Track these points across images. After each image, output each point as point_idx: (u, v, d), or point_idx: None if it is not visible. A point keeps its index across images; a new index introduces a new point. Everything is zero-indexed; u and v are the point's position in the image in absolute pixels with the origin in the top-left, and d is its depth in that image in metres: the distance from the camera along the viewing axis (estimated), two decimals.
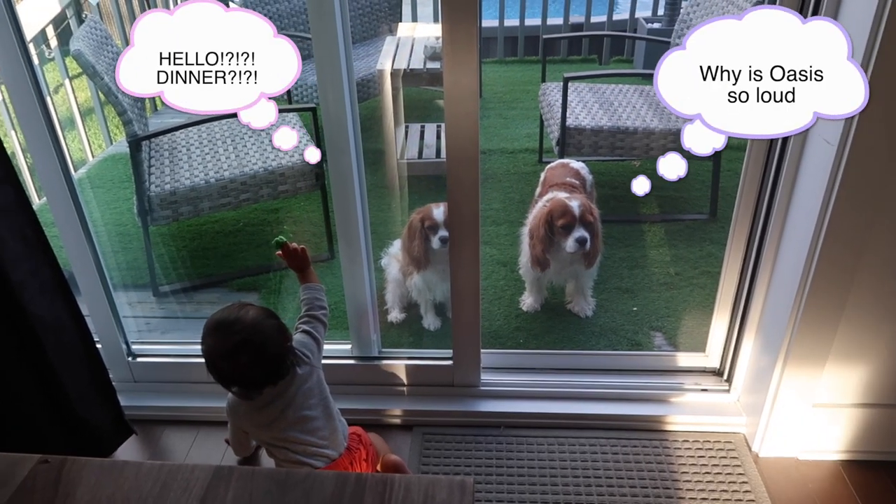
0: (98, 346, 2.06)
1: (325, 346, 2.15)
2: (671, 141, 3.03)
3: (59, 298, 1.69)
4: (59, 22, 3.58)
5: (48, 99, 1.76)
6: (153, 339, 2.44)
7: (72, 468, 0.74)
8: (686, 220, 3.13)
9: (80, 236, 1.90)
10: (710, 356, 2.09)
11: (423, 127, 3.80)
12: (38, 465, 0.74)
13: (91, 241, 1.93)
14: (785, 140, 1.66)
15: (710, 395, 2.04)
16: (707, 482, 1.83)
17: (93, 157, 3.91)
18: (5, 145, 1.54)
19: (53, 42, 3.57)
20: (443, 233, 2.26)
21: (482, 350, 2.02)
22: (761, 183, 1.77)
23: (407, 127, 3.77)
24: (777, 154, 1.69)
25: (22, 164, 3.23)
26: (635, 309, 2.56)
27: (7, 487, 0.72)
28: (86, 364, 1.82)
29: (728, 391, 2.04)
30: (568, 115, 3.06)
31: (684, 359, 2.12)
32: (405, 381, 2.07)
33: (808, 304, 1.65)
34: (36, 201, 3.10)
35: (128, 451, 1.96)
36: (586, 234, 2.30)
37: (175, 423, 2.06)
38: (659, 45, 3.91)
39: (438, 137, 3.64)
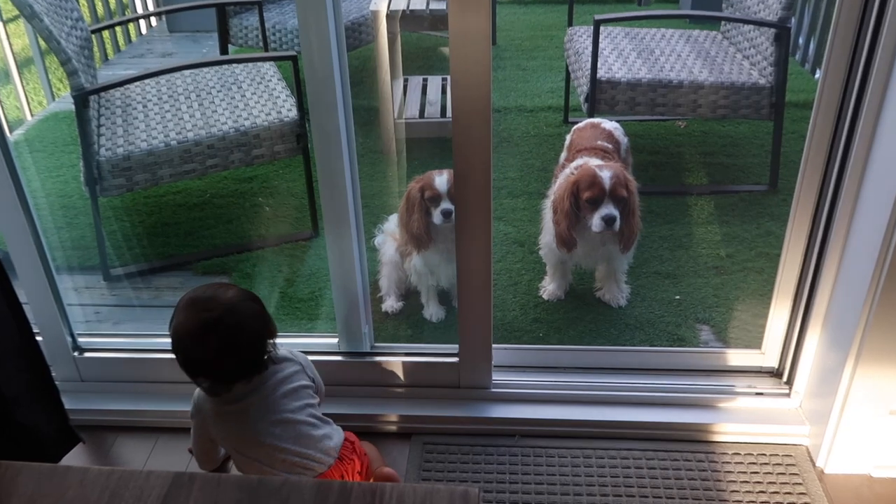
0: (38, 339, 2.08)
1: (307, 340, 2.17)
2: (723, 97, 3.01)
3: None
4: None
5: None
6: (103, 330, 2.46)
7: (6, 474, 0.74)
8: (741, 191, 3.12)
9: (17, 209, 1.90)
10: (768, 354, 2.09)
11: (425, 80, 3.79)
12: None
13: (29, 214, 1.93)
14: (860, 94, 1.64)
15: (767, 400, 2.04)
16: (762, 503, 1.84)
17: (31, 115, 3.92)
18: None
19: None
20: (446, 205, 2.26)
21: (494, 345, 2.03)
22: (831, 146, 1.75)
23: (406, 80, 3.76)
24: (850, 111, 1.67)
25: None
26: (678, 297, 2.56)
27: None
28: (24, 362, 1.82)
29: (788, 395, 2.04)
30: (599, 65, 3.05)
31: (736, 357, 2.12)
32: (402, 381, 2.08)
33: (886, 290, 1.63)
34: None
35: (74, 462, 1.98)
36: (615, 212, 2.29)
37: (129, 429, 2.08)
38: None
39: (444, 93, 3.64)
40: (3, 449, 1.80)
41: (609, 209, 2.29)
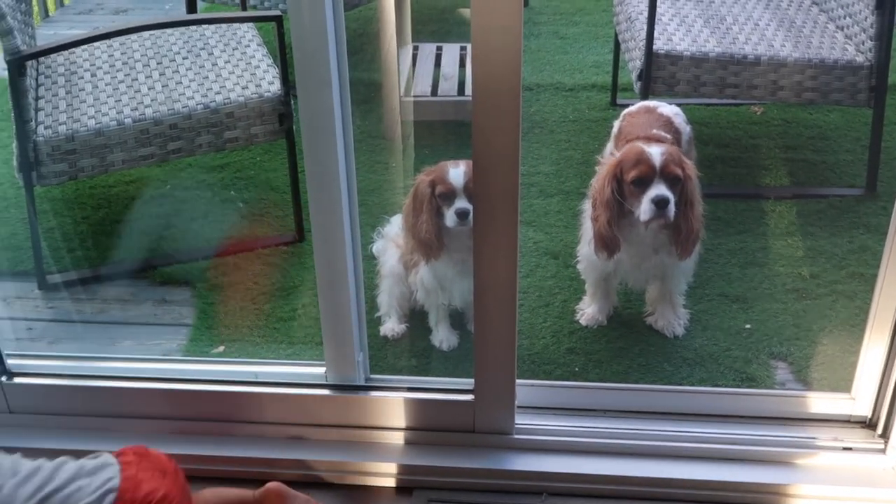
0: None
1: (287, 370, 2.18)
2: (810, 77, 3.01)
3: None
4: None
5: None
6: (37, 351, 2.48)
7: None
8: (830, 195, 3.12)
9: None
10: (858, 400, 2.08)
11: (439, 49, 3.81)
12: None
13: None
14: None
15: (857, 457, 2.04)
16: None
17: None
18: None
19: None
20: (462, 204, 2.28)
21: (518, 381, 2.03)
22: None
23: (416, 48, 3.78)
24: None
25: None
26: (748, 327, 2.56)
27: None
28: None
29: (883, 451, 2.03)
30: (657, 34, 3.05)
31: (820, 402, 2.12)
32: (403, 423, 2.09)
33: None
34: None
35: None
36: (668, 195, 2.26)
37: None
38: None
39: (462, 65, 3.65)
40: None
41: (661, 189, 2.27)
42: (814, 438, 2.06)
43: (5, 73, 2.60)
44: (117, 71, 2.96)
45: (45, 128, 2.65)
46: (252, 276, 2.79)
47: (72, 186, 3.13)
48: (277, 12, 3.03)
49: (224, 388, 2.12)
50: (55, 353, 2.43)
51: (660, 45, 3.05)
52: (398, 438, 2.10)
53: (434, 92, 3.52)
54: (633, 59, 3.19)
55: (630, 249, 2.42)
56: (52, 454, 2.09)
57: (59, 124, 2.66)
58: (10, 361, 2.16)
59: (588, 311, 2.59)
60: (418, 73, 3.64)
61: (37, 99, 2.78)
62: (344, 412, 2.11)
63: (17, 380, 2.15)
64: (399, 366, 2.50)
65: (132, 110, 2.72)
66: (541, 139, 3.44)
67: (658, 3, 3.06)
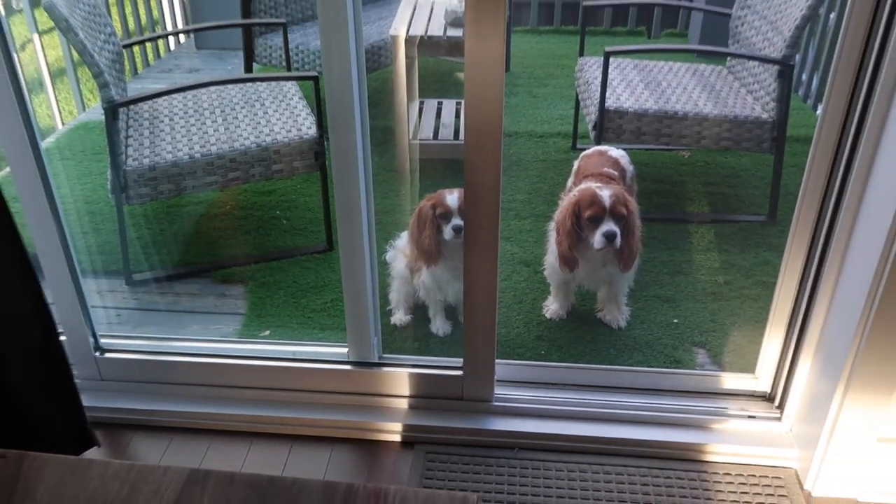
0: (62, 338, 2.10)
1: (318, 349, 2.18)
2: (726, 129, 3.02)
3: (21, 284, 1.70)
4: None
5: (14, 56, 1.79)
6: (124, 332, 2.49)
7: (32, 465, 0.76)
8: (740, 221, 3.13)
9: (47, 213, 1.93)
10: (761, 379, 2.09)
11: (440, 103, 3.83)
12: None
13: (58, 219, 1.96)
14: (858, 131, 1.66)
15: (759, 423, 2.04)
16: None
17: (62, 124, 3.97)
18: None
19: None
20: (457, 221, 2.29)
21: (497, 360, 2.04)
22: (828, 181, 1.76)
23: (422, 103, 3.80)
24: (848, 147, 1.69)
25: None
26: (676, 321, 2.57)
27: None
28: (48, 362, 1.82)
29: (779, 419, 2.04)
30: (608, 94, 3.07)
31: (730, 380, 2.13)
32: (408, 391, 2.09)
33: (877, 321, 1.64)
34: None
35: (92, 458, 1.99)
36: (616, 229, 2.30)
37: (145, 428, 2.10)
38: (718, 18, 3.90)
39: (457, 116, 3.67)
40: (19, 448, 1.81)
41: (610, 226, 2.31)
42: (725, 408, 2.07)
43: (102, 117, 2.60)
44: (189, 116, 2.97)
45: (133, 160, 2.65)
46: (291, 277, 2.79)
47: (153, 205, 3.13)
48: (315, 73, 3.04)
49: (269, 363, 2.12)
50: (138, 334, 2.43)
51: (610, 103, 3.07)
52: (403, 404, 2.11)
53: (435, 136, 3.53)
54: (590, 114, 3.20)
55: (585, 265, 2.43)
56: (133, 413, 2.11)
57: (144, 157, 2.67)
58: (102, 340, 2.17)
59: (552, 307, 2.59)
60: (423, 121, 3.65)
61: (127, 137, 2.79)
62: (361, 383, 2.11)
63: (108, 355, 2.15)
64: (405, 347, 2.51)
65: (201, 147, 2.73)
66: (517, 174, 3.46)
67: (610, 71, 3.08)
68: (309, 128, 2.84)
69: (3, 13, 1.77)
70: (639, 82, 3.33)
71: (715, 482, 1.94)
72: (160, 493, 0.73)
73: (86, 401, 1.98)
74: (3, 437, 1.80)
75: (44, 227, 1.95)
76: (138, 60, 4.60)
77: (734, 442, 2.00)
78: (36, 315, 1.74)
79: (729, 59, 3.56)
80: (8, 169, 1.89)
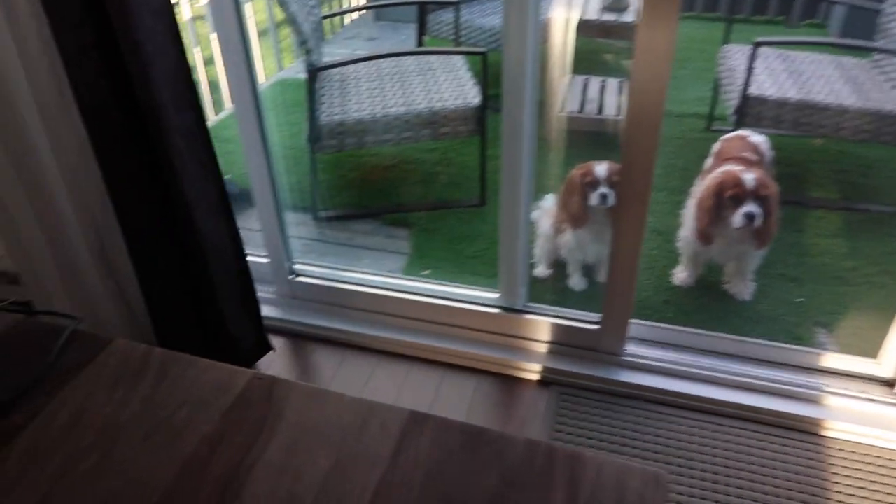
0: (266, 261, 2.20)
1: (471, 292, 2.17)
2: (867, 122, 2.72)
3: (222, 219, 1.77)
4: None
5: (243, 9, 1.81)
6: (310, 260, 2.57)
7: (280, 388, 0.78)
8: (873, 210, 2.84)
9: (261, 154, 1.99)
10: (883, 365, 1.90)
11: (586, 80, 3.66)
12: (253, 380, 0.79)
13: (269, 159, 2.02)
14: None
15: (878, 407, 1.86)
16: (862, 497, 1.69)
17: (265, 80, 4.11)
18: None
19: None
20: (603, 189, 2.19)
21: (630, 320, 1.96)
22: None
23: (571, 79, 3.65)
24: None
25: (202, 77, 3.43)
26: (800, 300, 2.37)
27: (227, 395, 0.77)
28: (239, 283, 1.90)
29: None
30: (751, 82, 2.82)
31: (852, 363, 1.94)
32: (548, 338, 2.05)
33: None
34: (211, 117, 3.30)
35: (277, 363, 2.08)
36: (756, 210, 2.13)
37: (325, 341, 2.16)
38: (861, 12, 3.49)
39: (602, 92, 3.50)
40: (212, 355, 1.91)
41: (751, 206, 2.14)
42: (845, 388, 1.90)
43: (297, 75, 2.64)
44: (372, 81, 2.97)
45: (325, 116, 2.70)
46: (448, 225, 2.77)
47: (338, 155, 3.19)
48: (484, 49, 2.97)
49: (427, 300, 2.13)
50: (321, 263, 2.50)
51: (753, 90, 2.82)
52: (543, 348, 2.07)
53: (581, 110, 3.39)
54: (731, 99, 2.96)
55: (720, 241, 2.27)
56: (317, 329, 2.18)
57: (335, 114, 2.70)
58: (295, 266, 2.25)
59: (681, 275, 2.45)
60: (570, 96, 3.51)
61: (321, 96, 2.84)
62: (508, 325, 2.08)
63: (299, 278, 2.23)
64: (544, 297, 2.44)
65: (381, 108, 2.73)
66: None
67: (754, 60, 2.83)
68: (474, 97, 2.78)
69: None
70: (782, 71, 3.04)
71: (829, 456, 1.79)
72: (387, 428, 0.72)
73: (280, 314, 2.06)
74: (207, 342, 1.91)
75: (258, 165, 2.02)
76: (326, 28, 4.67)
77: (851, 421, 1.84)
78: (232, 241, 1.82)
79: (875, 53, 3.18)
80: (223, 113, 1.94)
